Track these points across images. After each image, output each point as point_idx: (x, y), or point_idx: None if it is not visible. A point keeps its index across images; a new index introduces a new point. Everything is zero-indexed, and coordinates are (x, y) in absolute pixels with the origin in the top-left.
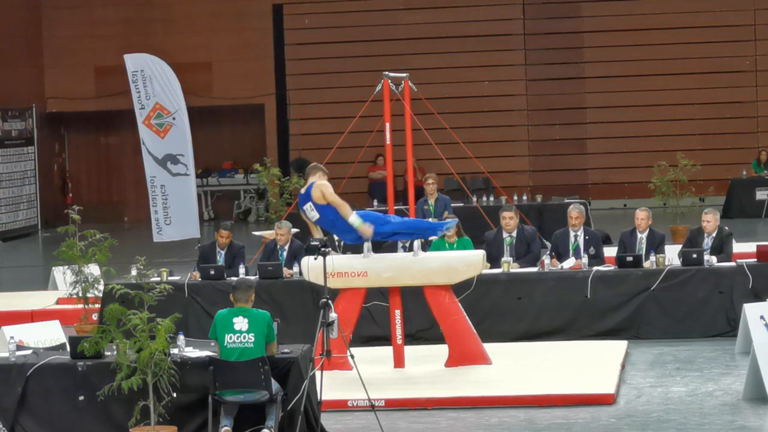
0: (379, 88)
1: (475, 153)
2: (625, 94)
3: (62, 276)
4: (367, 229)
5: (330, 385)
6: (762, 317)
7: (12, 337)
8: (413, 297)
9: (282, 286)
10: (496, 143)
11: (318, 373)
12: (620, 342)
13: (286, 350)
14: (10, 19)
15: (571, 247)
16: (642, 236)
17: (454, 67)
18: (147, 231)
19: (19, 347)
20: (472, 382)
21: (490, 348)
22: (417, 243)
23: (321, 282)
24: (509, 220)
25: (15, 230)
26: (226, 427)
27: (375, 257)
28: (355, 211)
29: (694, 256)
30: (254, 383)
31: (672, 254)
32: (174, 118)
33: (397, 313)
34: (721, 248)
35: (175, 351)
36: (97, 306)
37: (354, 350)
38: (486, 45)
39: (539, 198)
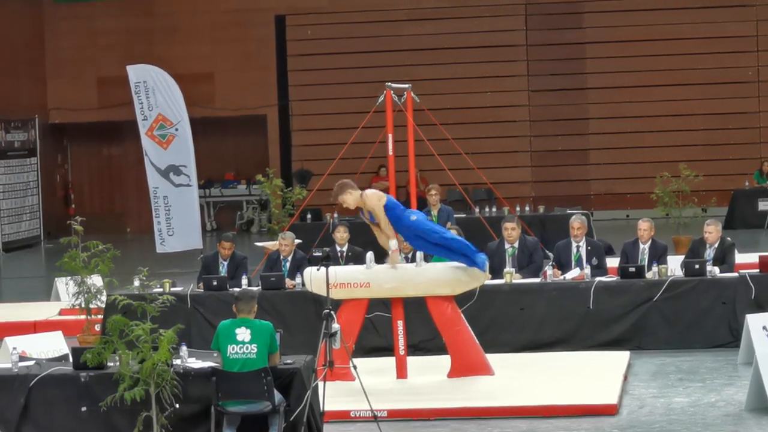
0: (381, 99)
1: (477, 164)
2: (628, 104)
3: (65, 287)
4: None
5: (332, 396)
6: (764, 328)
7: (15, 348)
8: (416, 308)
9: (285, 296)
10: (499, 154)
11: (321, 384)
12: (623, 353)
13: (288, 361)
14: (13, 30)
15: (573, 258)
16: (644, 247)
17: (456, 78)
18: (150, 242)
19: (22, 358)
20: (474, 392)
21: (493, 359)
22: (419, 254)
23: (323, 293)
24: (511, 230)
25: (18, 241)
26: None
27: (377, 268)
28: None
29: (697, 266)
30: (257, 394)
31: (674, 265)
32: (176, 129)
33: (400, 323)
34: (723, 259)
35: (177, 362)
36: (100, 317)
37: (356, 361)
38: (488, 56)
39: (542, 209)
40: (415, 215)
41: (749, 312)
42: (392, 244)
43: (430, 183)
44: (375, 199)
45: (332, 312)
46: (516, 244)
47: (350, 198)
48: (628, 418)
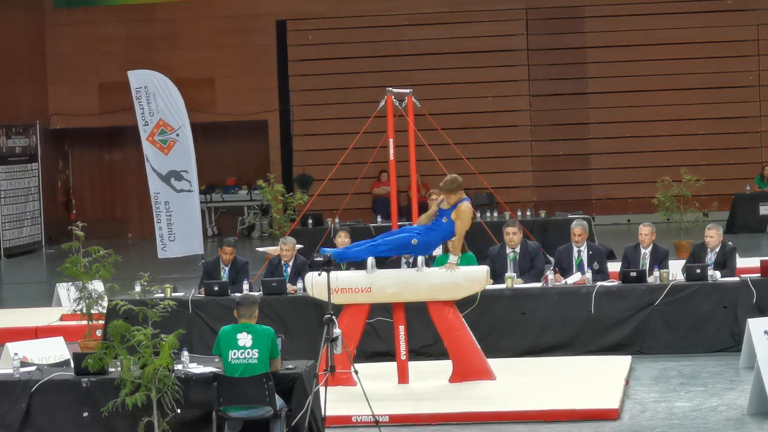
0: (382, 104)
1: (478, 168)
2: (629, 109)
3: (66, 292)
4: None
5: (334, 401)
6: (766, 332)
7: (16, 354)
8: (417, 312)
9: (286, 302)
10: (500, 159)
11: (322, 389)
12: (624, 357)
13: (290, 366)
14: (14, 36)
15: (574, 263)
16: (646, 251)
17: (457, 83)
18: (151, 247)
19: (24, 364)
20: (476, 397)
21: (494, 363)
22: (420, 259)
23: (325, 298)
24: (513, 235)
25: (19, 247)
26: None
27: (379, 273)
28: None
29: (698, 271)
30: (258, 399)
31: (676, 269)
32: (178, 135)
33: (401, 328)
34: (724, 263)
35: (179, 367)
36: (101, 322)
37: (358, 366)
38: (489, 61)
39: (543, 213)
40: (416, 239)
41: (751, 316)
42: (452, 258)
43: (431, 188)
44: (468, 214)
45: (333, 317)
46: (517, 249)
47: (454, 198)
48: (629, 422)
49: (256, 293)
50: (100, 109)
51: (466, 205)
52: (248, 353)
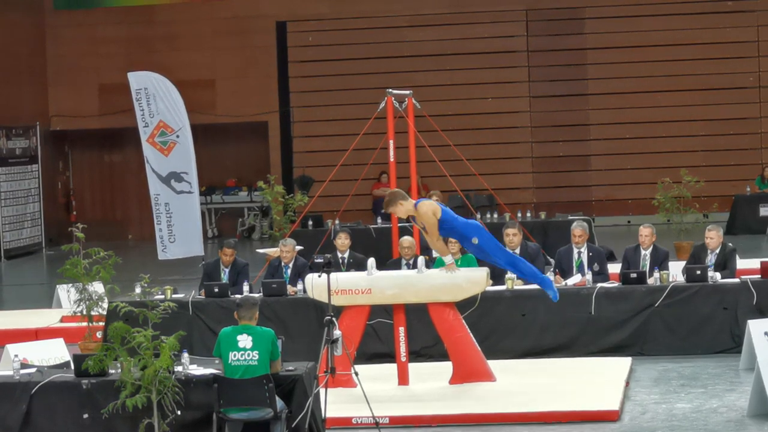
0: (382, 105)
1: (478, 170)
2: (629, 110)
3: (66, 294)
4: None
5: (334, 403)
6: (766, 333)
7: (16, 355)
8: (417, 314)
9: (286, 303)
10: (500, 160)
11: (322, 391)
12: (624, 359)
13: (290, 368)
14: (15, 37)
15: (574, 264)
16: (646, 253)
17: (457, 84)
18: (151, 249)
19: (24, 365)
20: (476, 399)
21: (495, 365)
22: (421, 260)
23: (325, 299)
24: (513, 236)
25: (19, 248)
26: None
27: (379, 275)
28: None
29: (698, 272)
30: (258, 401)
31: (676, 271)
32: (178, 136)
33: (401, 330)
34: (724, 264)
35: (179, 369)
36: (102, 324)
37: (358, 367)
38: (489, 62)
39: (543, 215)
40: (476, 237)
41: (751, 318)
42: (447, 259)
43: (431, 189)
44: (430, 214)
45: (334, 318)
46: (517, 251)
47: (401, 210)
48: (630, 424)
49: (257, 295)
50: (100, 111)
51: (421, 210)
52: (248, 355)
